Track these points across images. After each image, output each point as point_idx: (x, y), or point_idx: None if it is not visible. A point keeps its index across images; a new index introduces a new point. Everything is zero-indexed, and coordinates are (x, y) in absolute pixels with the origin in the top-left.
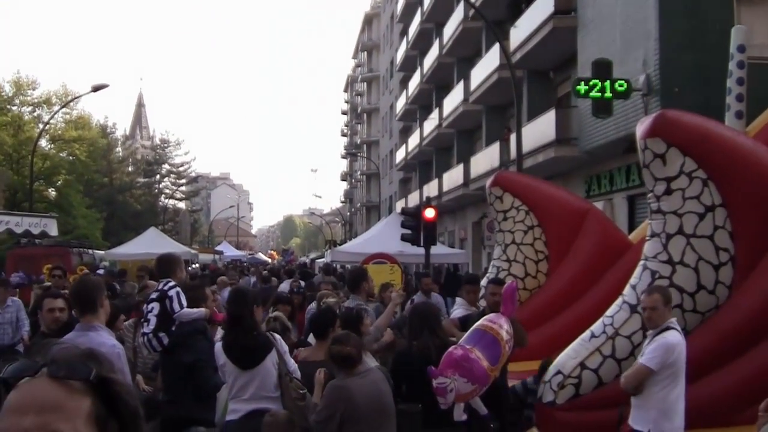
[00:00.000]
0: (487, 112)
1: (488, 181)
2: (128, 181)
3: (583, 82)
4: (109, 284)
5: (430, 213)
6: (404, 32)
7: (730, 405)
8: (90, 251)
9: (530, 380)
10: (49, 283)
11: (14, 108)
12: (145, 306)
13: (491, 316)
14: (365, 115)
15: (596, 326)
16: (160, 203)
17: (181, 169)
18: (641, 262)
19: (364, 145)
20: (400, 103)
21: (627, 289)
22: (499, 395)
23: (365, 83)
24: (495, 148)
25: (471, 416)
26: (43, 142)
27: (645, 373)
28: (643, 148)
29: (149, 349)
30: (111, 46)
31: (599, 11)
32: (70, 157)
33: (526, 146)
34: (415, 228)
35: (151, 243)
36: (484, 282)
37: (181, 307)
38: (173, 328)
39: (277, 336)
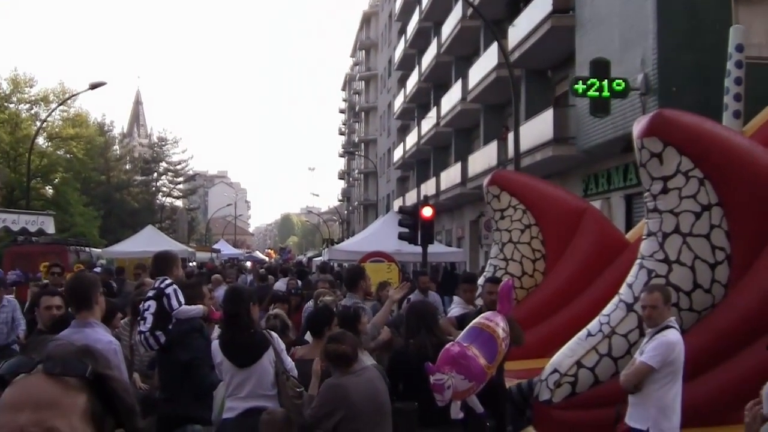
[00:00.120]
0: (485, 111)
1: (486, 180)
2: (126, 179)
3: (581, 81)
4: (105, 282)
5: (427, 212)
6: (402, 31)
7: (726, 404)
8: (87, 249)
9: (535, 380)
10: (46, 281)
11: (11, 105)
12: (141, 304)
13: (488, 314)
14: (363, 113)
15: (593, 325)
16: (158, 201)
17: (178, 167)
18: (638, 261)
19: (362, 144)
20: (398, 102)
21: (623, 288)
22: (495, 393)
23: (363, 82)
24: (493, 147)
25: (467, 414)
26: (41, 140)
27: (646, 371)
28: (640, 147)
29: (146, 347)
30: (109, 44)
31: (597, 10)
32: (68, 155)
33: (524, 145)
34: (413, 226)
35: (148, 241)
36: (481, 281)
37: (179, 304)
38: (170, 327)
39: (274, 334)
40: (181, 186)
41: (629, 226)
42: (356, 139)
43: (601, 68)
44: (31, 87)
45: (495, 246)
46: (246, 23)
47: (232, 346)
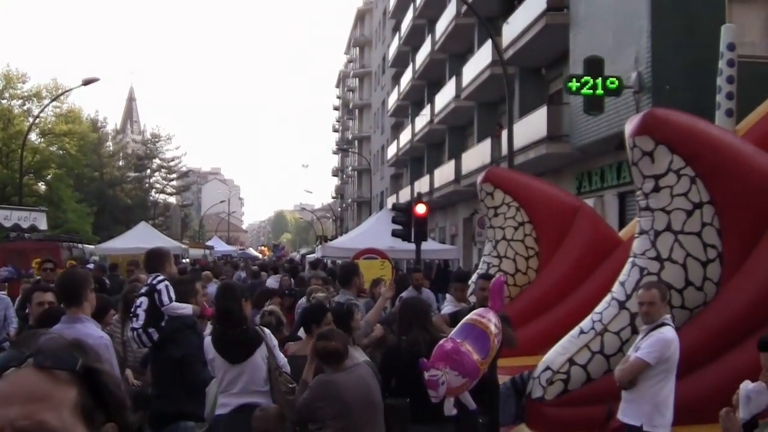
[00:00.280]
0: (478, 109)
1: (479, 178)
2: (119, 176)
3: (574, 79)
4: (98, 278)
5: (421, 209)
6: (396, 28)
7: (718, 401)
8: (80, 245)
9: (527, 373)
10: (38, 278)
11: (4, 101)
12: (134, 301)
13: (480, 310)
14: (357, 110)
15: (585, 322)
16: (151, 198)
17: (171, 163)
18: (630, 259)
19: (356, 141)
20: (392, 99)
21: (616, 286)
22: (489, 391)
23: (357, 79)
24: (486, 145)
25: (460, 411)
26: (33, 136)
27: (642, 367)
28: (632, 146)
29: (139, 344)
30: (102, 40)
31: (591, 8)
32: (61, 151)
33: (518, 143)
34: (406, 224)
35: (141, 238)
36: (474, 278)
37: (170, 300)
38: (163, 323)
39: (267, 330)
40: (174, 182)
41: (622, 223)
42: (350, 136)
43: (594, 66)
44: (23, 83)
45: (488, 243)
46: (240, 19)
47: (224, 343)
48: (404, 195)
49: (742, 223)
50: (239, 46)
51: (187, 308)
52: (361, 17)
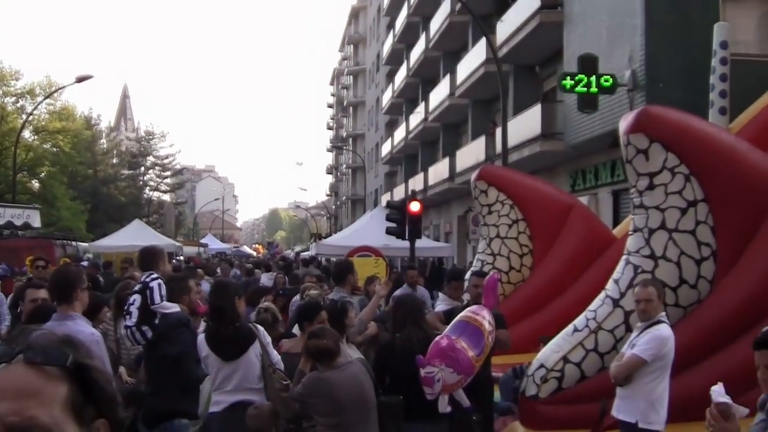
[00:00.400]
0: (473, 106)
1: (473, 175)
2: (113, 173)
3: (568, 77)
4: (92, 276)
5: (415, 206)
6: (391, 26)
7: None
8: (74, 243)
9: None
10: (31, 275)
11: None
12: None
13: (474, 307)
14: (351, 108)
15: (579, 320)
16: (145, 195)
17: (165, 161)
18: (624, 257)
19: (350, 139)
20: (386, 97)
21: (610, 284)
22: (483, 388)
23: (351, 76)
24: (481, 142)
25: (454, 408)
26: (27, 134)
27: (638, 364)
28: (626, 143)
29: (133, 341)
30: (96, 37)
31: (585, 6)
32: (54, 149)
33: (512, 140)
34: (401, 221)
35: (135, 235)
36: (468, 275)
37: (161, 298)
38: (156, 321)
39: (260, 327)
40: (168, 180)
41: (616, 221)
42: (344, 134)
43: (588, 64)
44: (16, 80)
45: (482, 241)
46: (234, 17)
47: (217, 340)
48: (398, 193)
49: (736, 221)
50: (233, 43)
51: (174, 307)
52: (355, 15)
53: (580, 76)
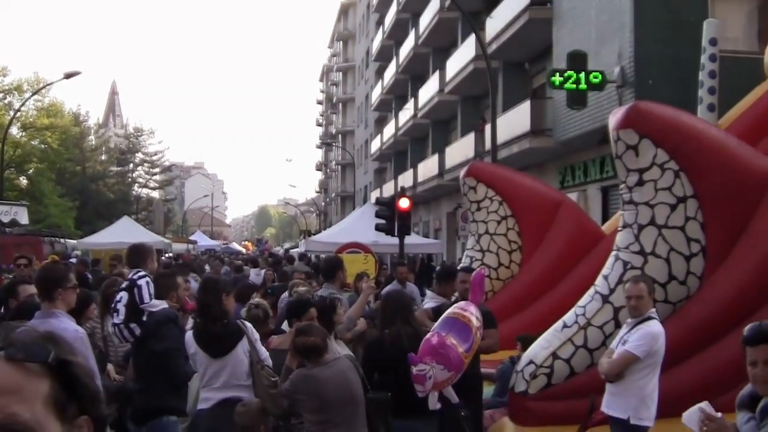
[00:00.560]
0: (462, 103)
1: (462, 172)
2: (101, 170)
3: (558, 74)
4: (80, 273)
5: (404, 203)
6: (380, 22)
7: (700, 394)
8: (62, 240)
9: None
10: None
11: None
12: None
13: (461, 303)
14: (340, 104)
15: (568, 316)
16: (134, 192)
17: (154, 158)
18: (613, 253)
19: (339, 135)
20: (376, 93)
21: (599, 280)
22: (472, 383)
23: (341, 73)
24: (470, 139)
25: (443, 405)
26: (14, 130)
27: (631, 361)
28: (616, 139)
29: (121, 339)
30: (84, 33)
31: (575, 3)
32: (42, 145)
33: (501, 137)
34: (390, 218)
35: (124, 232)
36: None
37: (150, 297)
38: (144, 318)
39: (248, 324)
40: (157, 177)
41: (605, 218)
42: (334, 131)
43: (578, 61)
44: (4, 76)
45: (471, 237)
46: (223, 13)
47: (205, 337)
48: (388, 189)
49: (726, 217)
50: (223, 39)
51: (162, 305)
52: (344, 11)
53: (570, 72)
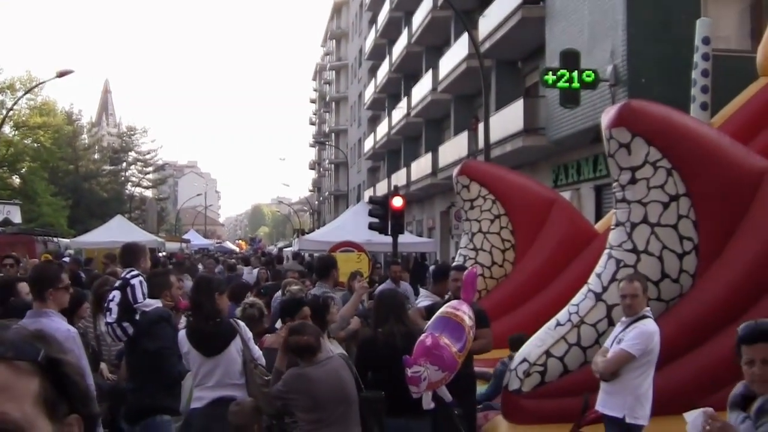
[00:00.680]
0: (455, 102)
1: (456, 171)
2: (94, 169)
3: (551, 72)
4: (73, 272)
5: (397, 202)
6: (373, 21)
7: (693, 392)
8: (55, 239)
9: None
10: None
11: None
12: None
13: (453, 303)
14: (334, 103)
15: (561, 314)
16: (127, 191)
17: (147, 156)
18: (606, 251)
19: (333, 134)
20: (369, 92)
21: (592, 278)
22: (466, 383)
23: (334, 72)
24: (463, 138)
25: (437, 403)
26: (7, 129)
27: (627, 359)
28: (609, 137)
29: (114, 338)
30: (76, 32)
31: (567, 2)
32: (35, 144)
33: (494, 136)
34: (383, 217)
35: (117, 231)
36: None
37: (144, 296)
38: (137, 317)
39: (241, 323)
40: (150, 176)
41: (599, 216)
42: (327, 130)
43: (570, 59)
44: None
45: (465, 236)
46: (216, 11)
47: (198, 335)
48: (381, 188)
49: (718, 215)
50: (216, 37)
51: (156, 303)
52: (337, 9)
53: (562, 71)
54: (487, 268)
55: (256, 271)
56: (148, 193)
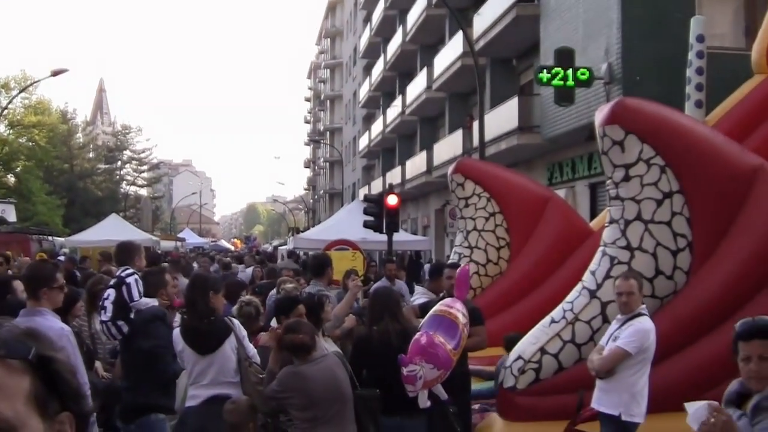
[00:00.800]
0: (450, 100)
1: (450, 169)
2: (89, 168)
3: (545, 70)
4: (69, 271)
5: (392, 200)
6: (368, 19)
7: (687, 390)
8: (50, 238)
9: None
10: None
11: None
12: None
13: (447, 300)
14: (328, 102)
15: (556, 312)
16: (122, 190)
17: (142, 155)
18: (600, 248)
19: (328, 132)
20: (364, 90)
21: (586, 275)
22: (460, 380)
23: (328, 70)
24: (458, 136)
25: (432, 402)
26: (2, 128)
27: (623, 357)
28: (602, 135)
29: (108, 336)
30: (71, 31)
31: (562, 0)
32: (30, 143)
33: (489, 134)
34: (378, 215)
35: (112, 230)
36: None
37: (139, 295)
38: (132, 315)
39: (236, 321)
40: (145, 174)
41: (593, 214)
42: (321, 128)
43: (565, 57)
44: None
45: (460, 234)
46: (211, 10)
47: (192, 334)
48: (376, 186)
49: (712, 212)
50: (210, 35)
51: (152, 302)
52: (332, 8)
53: (557, 69)
54: (482, 266)
55: (250, 269)
56: (143, 191)
